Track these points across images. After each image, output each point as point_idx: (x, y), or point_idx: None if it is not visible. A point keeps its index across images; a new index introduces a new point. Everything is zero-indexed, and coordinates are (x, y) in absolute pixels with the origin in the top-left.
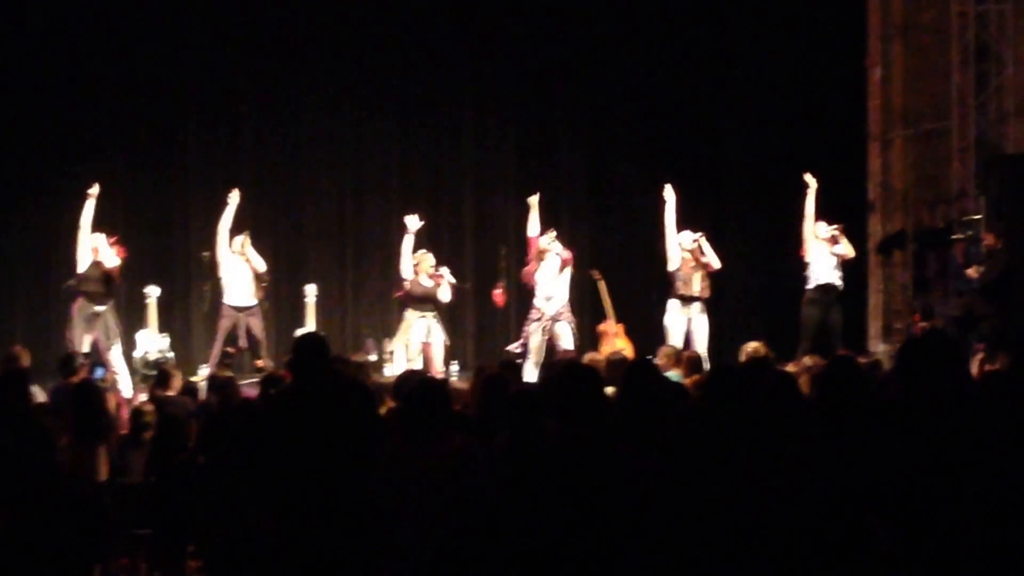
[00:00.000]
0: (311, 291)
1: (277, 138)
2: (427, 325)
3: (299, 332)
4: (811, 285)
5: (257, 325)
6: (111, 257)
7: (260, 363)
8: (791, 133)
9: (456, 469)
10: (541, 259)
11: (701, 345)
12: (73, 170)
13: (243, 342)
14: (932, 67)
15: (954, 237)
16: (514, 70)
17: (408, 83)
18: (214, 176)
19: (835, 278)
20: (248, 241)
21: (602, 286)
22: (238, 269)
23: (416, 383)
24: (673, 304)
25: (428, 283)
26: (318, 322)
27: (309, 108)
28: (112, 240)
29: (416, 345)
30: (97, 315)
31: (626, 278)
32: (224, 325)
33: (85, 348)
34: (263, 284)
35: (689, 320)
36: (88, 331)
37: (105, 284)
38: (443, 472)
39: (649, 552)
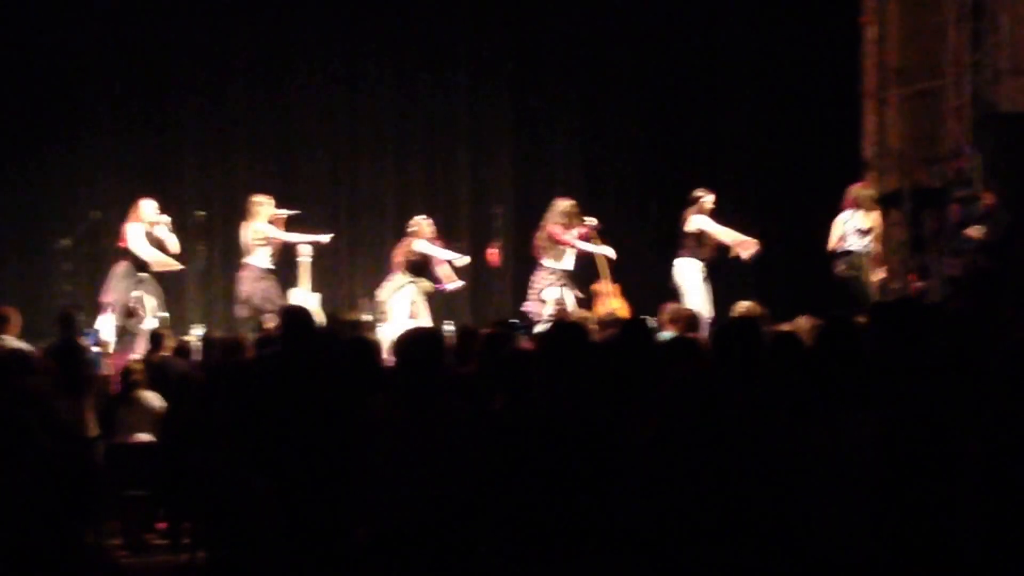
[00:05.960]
0: (305, 250)
1: (271, 98)
2: (414, 290)
3: (292, 292)
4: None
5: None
6: (170, 238)
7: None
8: (786, 92)
9: (447, 431)
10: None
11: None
12: (63, 130)
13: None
14: (927, 25)
15: (958, 195)
16: (511, 28)
17: (403, 41)
18: (207, 135)
19: (860, 244)
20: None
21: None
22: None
23: (415, 339)
24: (690, 263)
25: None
26: (312, 282)
27: (303, 68)
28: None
29: (405, 308)
30: (141, 281)
31: (621, 237)
32: (263, 286)
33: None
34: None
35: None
36: (127, 292)
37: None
38: (436, 434)
39: (643, 514)
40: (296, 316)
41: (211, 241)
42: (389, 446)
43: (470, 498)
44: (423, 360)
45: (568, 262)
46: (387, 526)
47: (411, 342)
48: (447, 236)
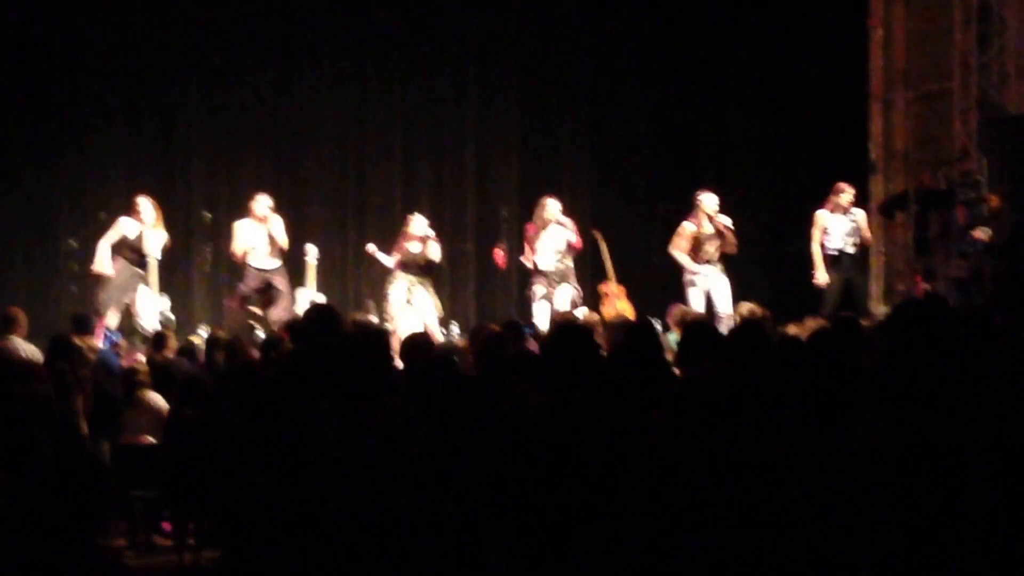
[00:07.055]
0: (312, 251)
1: (279, 97)
2: (408, 287)
3: (299, 292)
4: (831, 248)
5: (282, 283)
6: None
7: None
8: (793, 94)
9: (387, 433)
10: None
11: (725, 306)
12: (73, 131)
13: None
14: (934, 28)
15: (964, 198)
16: (518, 30)
17: (411, 42)
18: (216, 135)
19: (848, 244)
20: (271, 212)
21: (603, 246)
22: (258, 233)
23: (360, 339)
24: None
25: (416, 248)
26: (318, 283)
27: (311, 67)
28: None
29: (398, 307)
30: (139, 277)
31: (628, 238)
32: (250, 285)
33: (114, 318)
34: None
35: (708, 282)
36: (124, 294)
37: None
38: (374, 435)
39: (648, 516)
40: (322, 315)
41: (218, 242)
42: (335, 448)
43: (421, 499)
44: (368, 361)
45: (546, 261)
46: (342, 527)
47: (356, 342)
48: (450, 236)
